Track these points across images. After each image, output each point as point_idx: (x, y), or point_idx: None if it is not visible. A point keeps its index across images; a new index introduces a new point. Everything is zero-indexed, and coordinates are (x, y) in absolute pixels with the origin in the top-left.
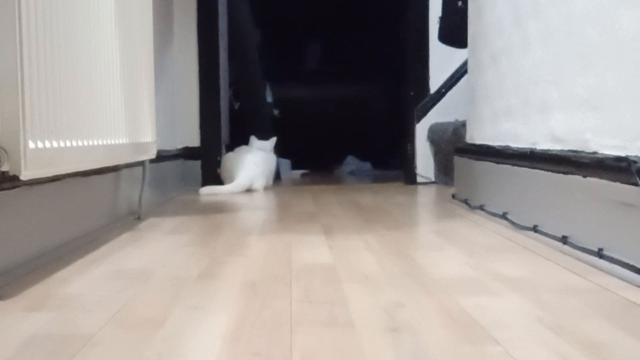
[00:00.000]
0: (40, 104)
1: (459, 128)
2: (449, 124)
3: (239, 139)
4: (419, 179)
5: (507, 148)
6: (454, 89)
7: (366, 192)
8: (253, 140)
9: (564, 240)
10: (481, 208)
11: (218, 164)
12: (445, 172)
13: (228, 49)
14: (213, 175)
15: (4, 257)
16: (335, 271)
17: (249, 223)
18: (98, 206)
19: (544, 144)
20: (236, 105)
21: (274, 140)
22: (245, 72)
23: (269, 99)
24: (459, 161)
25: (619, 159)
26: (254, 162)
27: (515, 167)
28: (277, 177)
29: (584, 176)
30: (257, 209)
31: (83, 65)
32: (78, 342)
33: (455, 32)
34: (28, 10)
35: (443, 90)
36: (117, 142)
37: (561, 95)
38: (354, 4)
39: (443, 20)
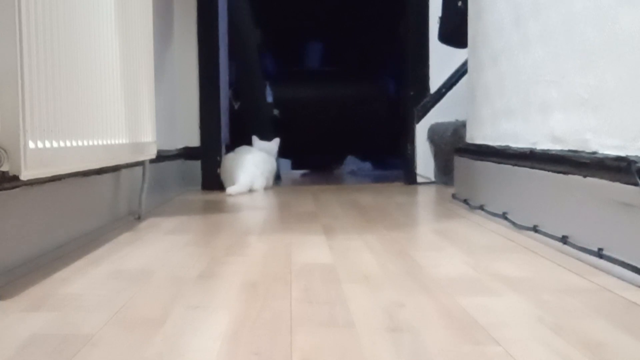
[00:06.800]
0: (40, 104)
1: (459, 128)
2: (449, 124)
3: (239, 139)
4: (419, 179)
5: (507, 148)
6: (454, 89)
7: (366, 192)
8: (255, 140)
9: (564, 240)
10: (481, 208)
11: (218, 164)
12: (445, 172)
13: (228, 49)
14: (213, 175)
15: (4, 257)
16: (335, 271)
17: (249, 223)
18: (98, 206)
19: (544, 144)
20: (236, 105)
21: (277, 141)
22: (245, 72)
23: (269, 99)
24: (459, 161)
25: (619, 159)
26: (253, 162)
27: (515, 167)
28: (277, 177)
29: (584, 176)
30: (257, 209)
31: (83, 65)
32: (78, 342)
33: (455, 32)
34: (28, 10)
35: (443, 90)
36: (117, 142)
37: (561, 95)
38: (354, 4)
39: (443, 20)
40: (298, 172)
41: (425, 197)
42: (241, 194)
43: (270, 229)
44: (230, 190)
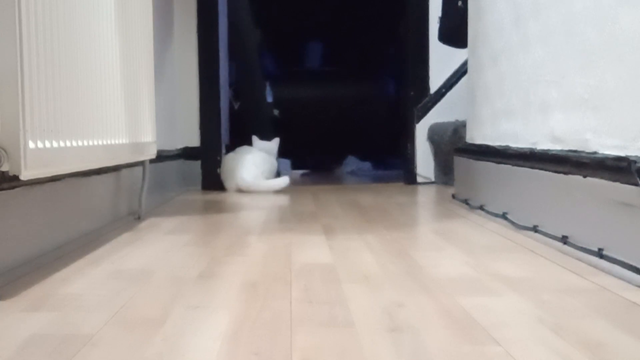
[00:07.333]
0: (40, 104)
1: (459, 128)
2: (449, 124)
3: (239, 139)
4: (419, 179)
5: (507, 148)
6: (454, 89)
7: (366, 192)
8: (255, 140)
9: (564, 240)
10: (481, 208)
11: (218, 164)
12: (445, 172)
13: (228, 49)
14: (213, 175)
15: (4, 257)
16: (335, 271)
17: (249, 223)
18: (98, 206)
19: (544, 144)
20: (236, 105)
21: (277, 141)
22: (245, 72)
23: (269, 99)
24: (459, 161)
25: (619, 159)
26: (253, 162)
27: (515, 167)
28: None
29: (584, 176)
30: (257, 209)
31: (83, 65)
32: (78, 342)
33: (455, 32)
34: (28, 10)
35: (443, 90)
36: (117, 142)
37: (561, 95)
38: (354, 4)
39: (443, 20)
40: (298, 172)
41: (425, 197)
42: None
43: (270, 229)
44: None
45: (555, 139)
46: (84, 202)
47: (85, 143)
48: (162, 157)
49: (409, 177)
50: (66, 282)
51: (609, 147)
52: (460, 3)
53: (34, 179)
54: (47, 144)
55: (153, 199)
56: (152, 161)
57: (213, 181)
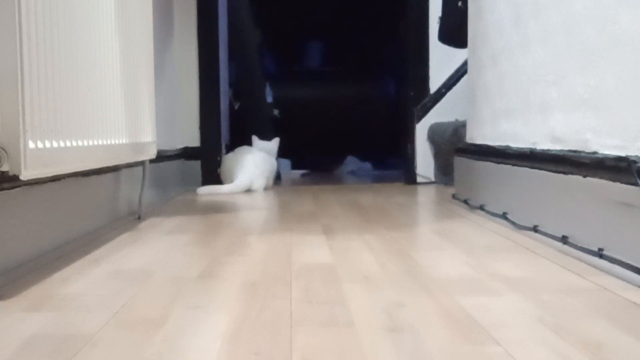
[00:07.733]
0: (40, 104)
1: (459, 128)
2: (449, 124)
3: (239, 139)
4: (419, 179)
5: (507, 148)
6: (454, 89)
7: (366, 192)
8: (255, 140)
9: (564, 240)
10: (481, 208)
11: (218, 164)
12: (445, 172)
13: (228, 49)
14: (213, 175)
15: (4, 257)
16: (335, 271)
17: (249, 223)
18: (98, 206)
19: (544, 144)
20: (236, 105)
21: (277, 141)
22: (245, 72)
23: (269, 99)
24: (459, 161)
25: (619, 159)
26: (253, 162)
27: (515, 167)
28: (277, 177)
29: (584, 176)
30: (257, 209)
31: (83, 65)
32: (78, 342)
33: (455, 32)
34: (28, 10)
35: (443, 90)
36: (117, 142)
37: (561, 95)
38: (354, 4)
39: (443, 20)
40: (298, 172)
41: (425, 197)
42: (232, 193)
43: (270, 229)
44: (199, 190)
45: (555, 139)
46: (84, 202)
47: (85, 143)
48: (162, 157)
49: (409, 177)
50: (66, 282)
51: (609, 147)
52: (460, 3)
53: (34, 179)
54: (47, 144)
55: (153, 199)
56: (152, 161)
57: (213, 181)
